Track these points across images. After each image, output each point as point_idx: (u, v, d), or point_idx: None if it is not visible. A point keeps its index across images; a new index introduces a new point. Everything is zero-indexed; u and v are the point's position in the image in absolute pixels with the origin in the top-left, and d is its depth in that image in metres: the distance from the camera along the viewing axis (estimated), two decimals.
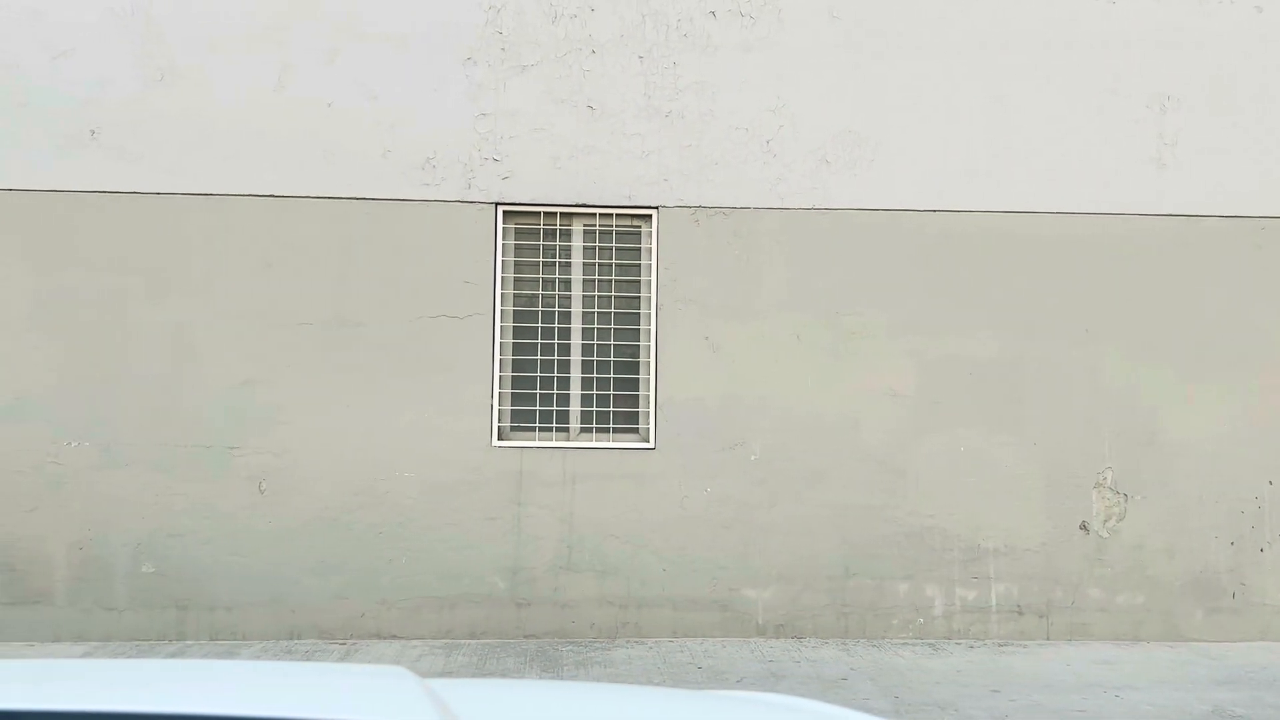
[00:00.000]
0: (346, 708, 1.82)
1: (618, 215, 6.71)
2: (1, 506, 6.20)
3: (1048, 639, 6.53)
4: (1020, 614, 6.55)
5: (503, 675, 5.60)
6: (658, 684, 5.41)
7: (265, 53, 6.51)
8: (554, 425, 6.61)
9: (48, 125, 6.39)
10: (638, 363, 6.65)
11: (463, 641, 6.32)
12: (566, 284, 6.70)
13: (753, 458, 6.54)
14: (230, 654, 6.00)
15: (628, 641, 6.37)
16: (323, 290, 6.45)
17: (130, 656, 5.90)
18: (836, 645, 6.35)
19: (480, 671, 5.69)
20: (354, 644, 6.24)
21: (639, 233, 6.72)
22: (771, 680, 5.51)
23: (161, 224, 6.39)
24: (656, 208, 6.65)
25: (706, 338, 6.57)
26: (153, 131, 6.43)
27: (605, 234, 6.71)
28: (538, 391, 6.61)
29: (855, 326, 6.62)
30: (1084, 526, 6.60)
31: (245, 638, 6.27)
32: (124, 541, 6.25)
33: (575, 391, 6.64)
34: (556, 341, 6.64)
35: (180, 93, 6.46)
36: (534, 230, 6.69)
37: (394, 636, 6.34)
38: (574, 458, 6.51)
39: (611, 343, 6.66)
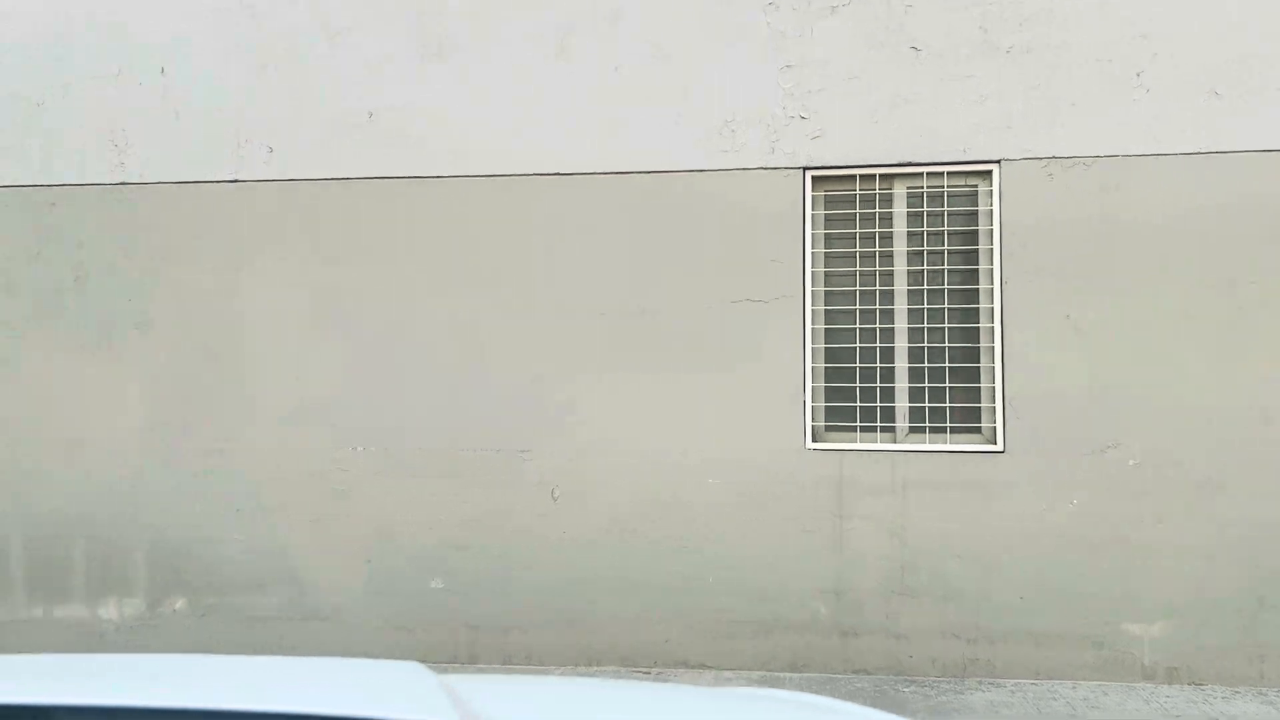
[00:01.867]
0: (363, 703, 1.81)
1: (949, 174, 5.67)
2: (284, 516, 5.86)
3: None
4: None
5: None
6: None
7: (544, 17, 5.89)
8: (877, 424, 5.64)
9: (326, 109, 6.01)
10: (978, 349, 5.59)
11: (782, 675, 5.46)
12: (888, 257, 5.71)
13: (1131, 463, 5.34)
14: None
15: (980, 683, 5.32)
16: (613, 275, 5.75)
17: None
18: (1253, 696, 5.07)
19: None
20: (660, 672, 5.50)
21: (975, 193, 5.65)
22: None
23: (444, 210, 5.88)
24: (998, 161, 5.57)
25: (1067, 316, 5.43)
26: (431, 111, 5.93)
27: (934, 197, 5.69)
28: (857, 385, 5.66)
29: (1260, 296, 5.30)
30: None
31: (541, 662, 5.65)
32: (411, 555, 5.77)
33: (902, 385, 5.64)
34: (878, 326, 5.68)
35: (456, 67, 5.93)
36: (848, 197, 5.75)
37: (703, 665, 5.56)
38: (903, 462, 5.53)
39: (945, 325, 5.63)
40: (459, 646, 5.69)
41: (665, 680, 5.36)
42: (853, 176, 5.73)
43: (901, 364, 5.65)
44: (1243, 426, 5.27)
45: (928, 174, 5.67)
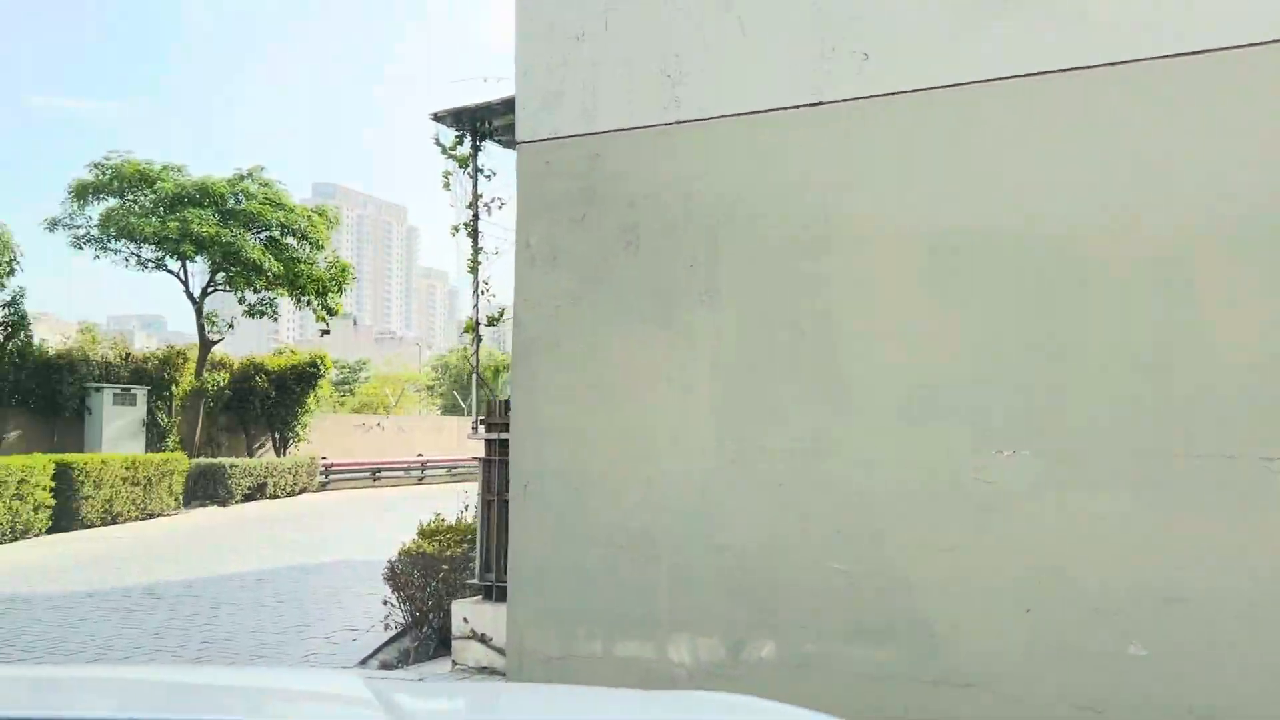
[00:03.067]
0: (298, 712, 1.82)
1: None
2: (904, 542, 4.38)
3: None
4: None
5: None
6: None
7: None
8: None
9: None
10: None
11: None
12: None
13: None
14: None
15: None
16: None
17: None
18: None
19: None
20: None
21: None
22: None
23: (1127, 108, 4.12)
24: None
25: None
26: None
27: None
28: None
29: None
30: None
31: None
32: (1093, 603, 4.06)
33: None
34: None
35: None
36: None
37: None
38: None
39: None
40: None
41: None
42: None
43: None
44: None
45: None
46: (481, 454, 6.97)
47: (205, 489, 21.04)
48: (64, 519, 15.82)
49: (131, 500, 17.74)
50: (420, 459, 30.80)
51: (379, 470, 29.29)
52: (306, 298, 23.08)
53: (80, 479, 16.17)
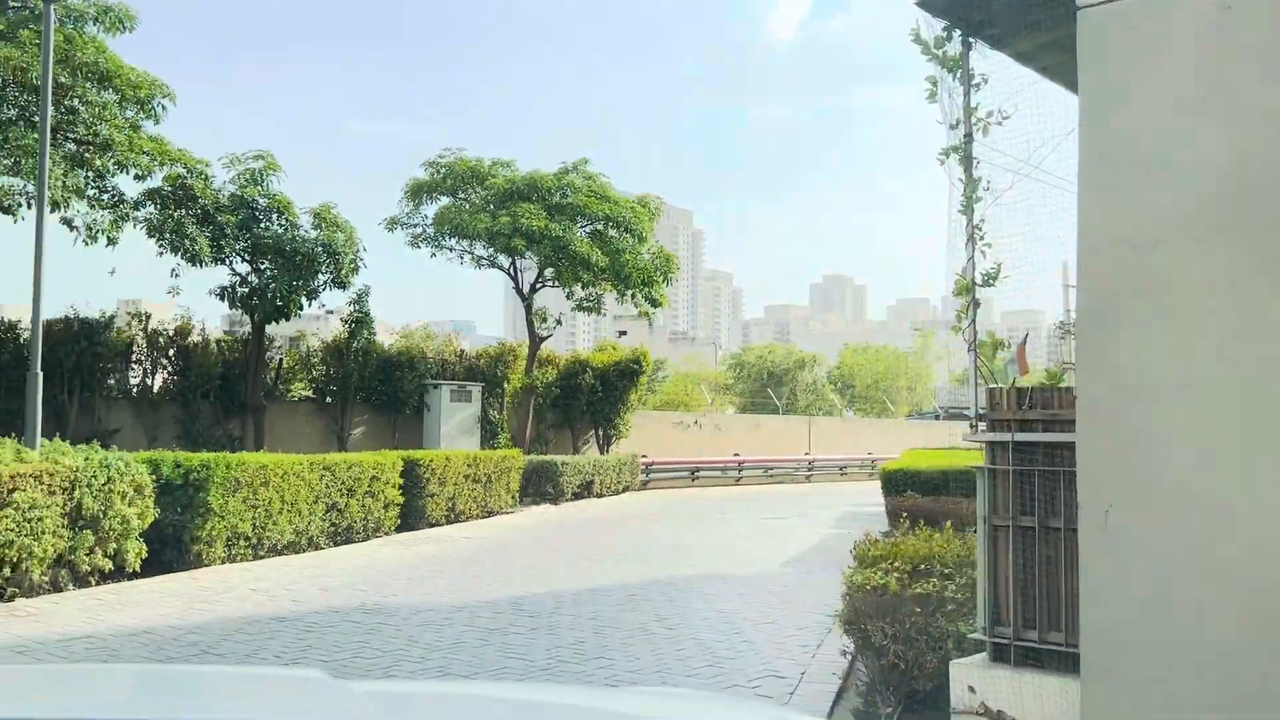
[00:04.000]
0: (264, 710, 1.83)
1: None
2: None
3: None
4: None
5: None
6: None
7: None
8: None
9: None
10: None
11: None
12: None
13: None
14: None
15: None
16: None
17: None
18: None
19: None
20: None
21: None
22: None
23: None
24: None
25: None
26: None
27: None
28: None
29: None
30: None
31: None
32: None
33: None
34: None
35: None
36: None
37: None
38: None
39: None
40: None
41: None
42: None
43: None
44: None
45: None
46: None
47: (537, 486, 20.58)
48: (410, 516, 15.53)
49: (472, 498, 17.36)
50: (737, 459, 29.47)
51: (697, 470, 28.22)
52: (631, 290, 22.19)
53: (426, 476, 15.85)
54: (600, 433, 25.51)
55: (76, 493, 9.22)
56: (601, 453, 25.27)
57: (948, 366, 70.26)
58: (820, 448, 33.43)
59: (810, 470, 31.51)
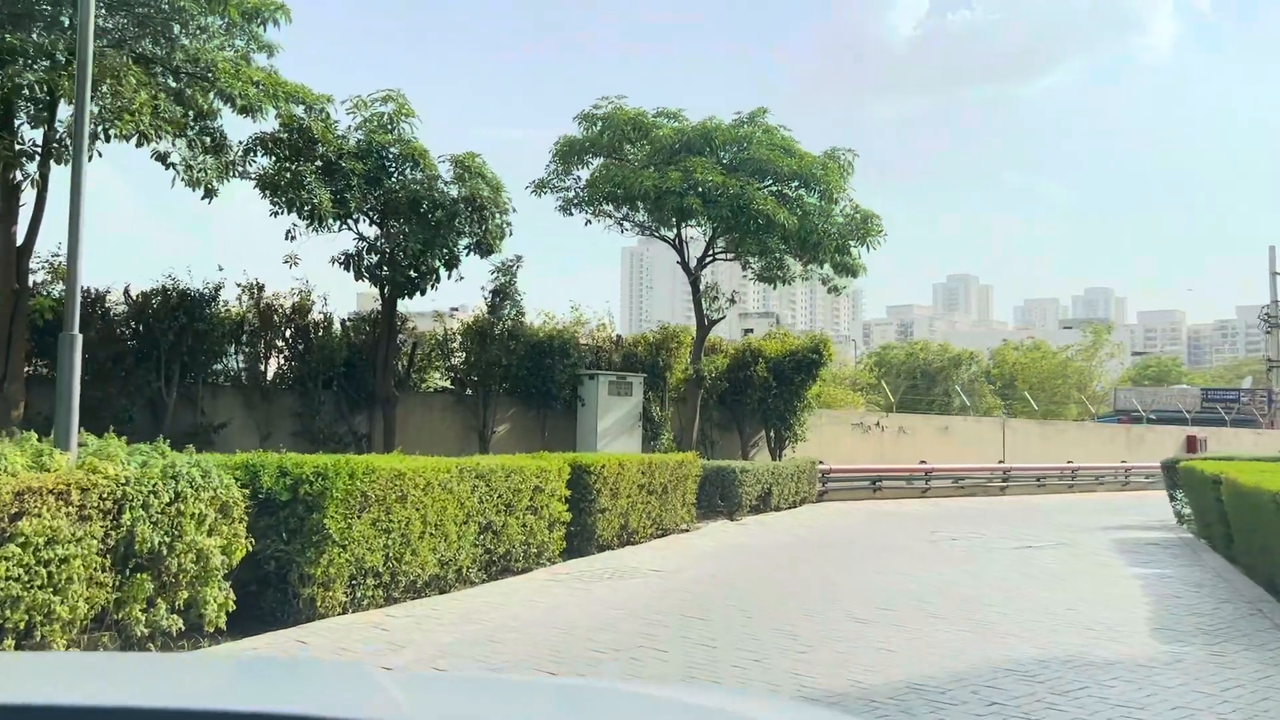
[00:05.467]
0: (306, 702, 1.80)
1: None
2: None
3: None
4: None
5: None
6: None
7: None
8: None
9: None
10: None
11: None
12: None
13: None
14: None
15: None
16: None
17: None
18: None
19: None
20: None
21: None
22: None
23: None
24: None
25: None
26: None
27: None
28: None
29: None
30: None
31: None
32: None
33: None
34: None
35: None
36: None
37: None
38: None
39: None
40: None
41: None
42: None
43: None
44: None
45: None
46: None
47: (708, 498, 17.00)
48: (578, 538, 12.16)
49: (647, 513, 13.90)
50: (925, 467, 25.36)
51: (879, 479, 24.23)
52: (823, 257, 18.40)
53: (598, 486, 12.44)
54: (773, 434, 21.78)
55: (127, 516, 6.03)
56: (774, 457, 21.56)
57: (1120, 364, 64.22)
58: (1014, 455, 28.97)
59: (1005, 481, 27.12)
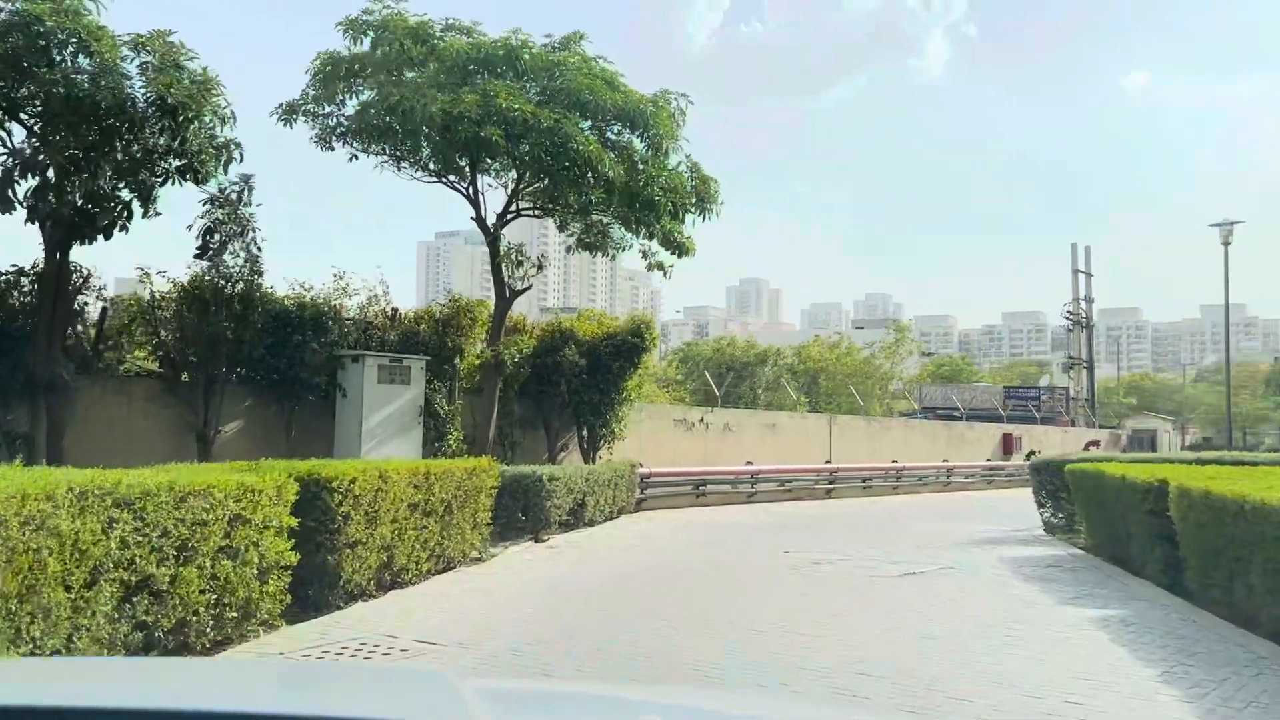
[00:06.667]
0: (382, 708, 1.81)
1: None
2: None
3: None
4: None
5: None
6: None
7: None
8: None
9: None
10: None
11: None
12: None
13: None
14: None
15: None
16: None
17: None
18: None
19: None
20: None
21: None
22: None
23: None
24: None
25: None
26: None
27: None
28: None
29: None
30: None
31: None
32: None
33: None
34: None
35: None
36: None
37: None
38: None
39: None
40: None
41: None
42: None
43: None
44: None
45: None
46: None
47: (507, 514, 13.25)
48: (314, 587, 8.17)
49: (421, 541, 10.00)
50: (751, 469, 22.47)
51: (703, 483, 21.15)
52: (654, 222, 14.95)
53: (344, 509, 8.45)
54: (586, 432, 18.23)
55: None
56: (588, 460, 18.02)
57: (916, 363, 64.69)
58: (842, 454, 26.63)
59: (832, 483, 24.64)
